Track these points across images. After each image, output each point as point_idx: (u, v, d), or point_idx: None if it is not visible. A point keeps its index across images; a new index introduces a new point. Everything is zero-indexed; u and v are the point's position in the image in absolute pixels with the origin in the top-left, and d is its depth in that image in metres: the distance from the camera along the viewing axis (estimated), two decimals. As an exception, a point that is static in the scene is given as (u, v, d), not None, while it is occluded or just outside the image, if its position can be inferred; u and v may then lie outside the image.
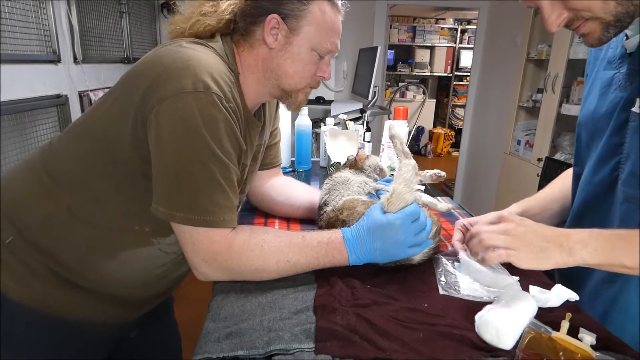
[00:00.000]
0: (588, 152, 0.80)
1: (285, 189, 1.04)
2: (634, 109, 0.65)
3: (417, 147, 6.22)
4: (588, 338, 0.57)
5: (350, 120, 2.18)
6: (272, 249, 0.70)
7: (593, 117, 0.77)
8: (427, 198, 0.89)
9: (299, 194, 1.03)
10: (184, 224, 0.66)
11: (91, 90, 2.04)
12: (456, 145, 5.82)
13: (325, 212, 0.85)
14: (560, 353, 0.55)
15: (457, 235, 0.83)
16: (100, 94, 2.08)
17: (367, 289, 0.70)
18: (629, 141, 0.67)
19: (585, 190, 0.78)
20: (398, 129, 0.85)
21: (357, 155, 0.97)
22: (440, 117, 6.70)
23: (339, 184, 0.89)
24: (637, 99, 0.64)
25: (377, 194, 0.89)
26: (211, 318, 0.63)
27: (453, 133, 6.29)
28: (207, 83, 0.64)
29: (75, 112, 1.94)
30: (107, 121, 0.71)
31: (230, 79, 0.71)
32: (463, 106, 6.25)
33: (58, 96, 1.81)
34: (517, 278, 0.72)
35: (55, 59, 1.81)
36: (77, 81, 1.96)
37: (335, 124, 1.66)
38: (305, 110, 1.50)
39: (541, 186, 2.16)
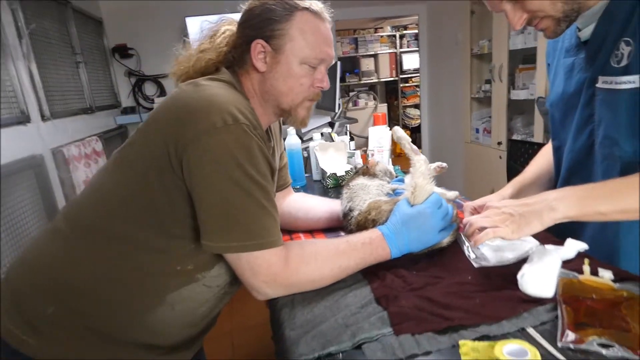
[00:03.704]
0: (563, 127, 0.93)
1: (302, 204, 1.10)
2: (598, 85, 0.79)
3: (377, 151, 6.42)
4: (607, 274, 0.68)
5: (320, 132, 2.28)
6: (324, 259, 0.75)
7: (563, 97, 0.90)
8: (437, 189, 0.99)
9: (317, 206, 1.09)
10: (240, 252, 0.70)
11: (62, 146, 1.99)
12: (414, 142, 6.08)
13: (352, 217, 0.93)
14: (592, 292, 0.65)
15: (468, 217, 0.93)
16: (73, 148, 2.04)
17: (414, 275, 0.78)
18: (597, 111, 0.80)
19: (569, 158, 0.90)
20: (401, 132, 0.94)
21: (368, 163, 1.05)
22: (393, 119, 6.99)
23: (359, 190, 0.97)
24: (599, 77, 0.78)
25: (394, 193, 0.98)
26: (289, 327, 0.68)
27: (409, 132, 6.59)
28: (234, 115, 0.68)
29: (52, 171, 1.89)
30: (134, 172, 0.73)
31: (249, 108, 0.75)
32: (413, 106, 6.58)
33: (33, 157, 1.77)
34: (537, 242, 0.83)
35: (24, 120, 1.77)
36: (48, 138, 1.92)
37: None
38: (292, 130, 1.58)
39: (510, 166, 2.37)
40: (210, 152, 0.67)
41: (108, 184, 0.77)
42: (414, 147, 0.92)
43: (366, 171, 1.05)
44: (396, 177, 1.09)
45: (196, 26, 2.97)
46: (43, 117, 1.91)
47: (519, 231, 0.69)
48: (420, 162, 0.87)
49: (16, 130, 1.71)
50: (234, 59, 0.84)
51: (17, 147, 1.69)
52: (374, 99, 6.54)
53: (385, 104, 6.78)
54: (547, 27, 0.76)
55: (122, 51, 3.07)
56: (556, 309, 0.64)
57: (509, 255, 0.81)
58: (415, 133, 5.38)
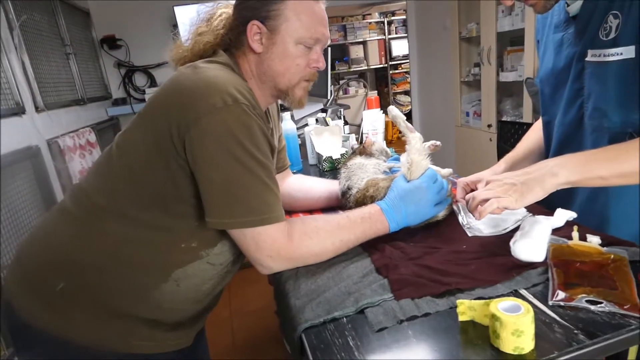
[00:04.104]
0: (553, 102, 0.96)
1: (301, 185, 1.13)
2: (588, 59, 0.82)
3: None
4: (595, 239, 0.72)
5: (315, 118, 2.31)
6: (326, 233, 0.79)
7: (553, 72, 0.93)
8: (432, 166, 1.03)
9: (315, 186, 1.12)
10: (244, 228, 0.73)
11: (57, 137, 1.99)
12: (405, 129, 6.12)
13: (351, 195, 0.96)
14: (581, 256, 0.69)
15: (461, 193, 0.96)
16: (67, 139, 2.03)
17: (412, 246, 0.81)
18: (587, 84, 0.84)
19: (560, 131, 0.94)
20: (396, 111, 0.97)
21: (365, 142, 1.08)
22: (383, 107, 6.95)
23: (356, 169, 1.00)
24: (588, 51, 0.81)
25: (390, 171, 1.01)
26: (294, 297, 0.71)
27: (400, 118, 6.60)
28: (234, 95, 0.71)
29: (48, 161, 1.89)
30: (137, 155, 0.75)
31: (247, 89, 0.77)
32: (403, 93, 6.60)
33: (30, 148, 1.77)
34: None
35: (20, 111, 1.76)
36: (42, 130, 1.91)
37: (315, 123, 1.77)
38: (288, 114, 1.60)
39: (500, 147, 2.41)
40: (212, 132, 0.69)
41: (113, 167, 0.79)
42: (409, 124, 0.95)
43: (363, 151, 1.08)
44: (391, 156, 1.12)
45: (185, 15, 2.95)
46: (37, 109, 1.90)
47: (522, 199, 0.71)
48: (416, 139, 0.91)
49: (12, 122, 1.70)
50: (230, 41, 0.85)
51: (14, 138, 1.68)
52: (364, 86, 6.54)
53: (376, 91, 6.79)
54: (537, 3, 0.79)
55: (111, 42, 3.04)
56: (547, 272, 0.68)
57: (501, 227, 0.85)
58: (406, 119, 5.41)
